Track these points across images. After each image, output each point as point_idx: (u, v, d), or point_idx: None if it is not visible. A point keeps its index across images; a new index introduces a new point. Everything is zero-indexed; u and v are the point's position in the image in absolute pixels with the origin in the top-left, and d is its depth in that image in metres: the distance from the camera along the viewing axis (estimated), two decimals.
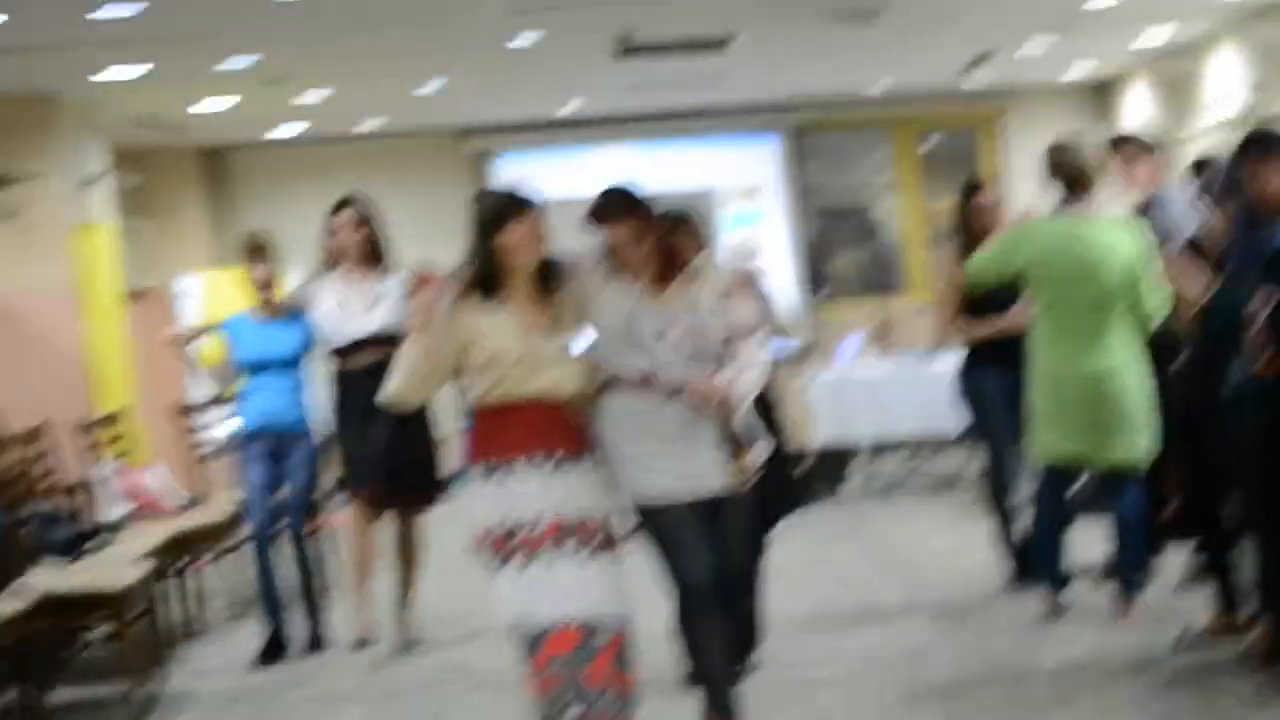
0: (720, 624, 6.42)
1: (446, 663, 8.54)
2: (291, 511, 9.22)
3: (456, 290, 6.24)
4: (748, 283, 6.63)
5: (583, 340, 6.32)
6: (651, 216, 6.37)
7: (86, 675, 8.92)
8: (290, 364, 9.22)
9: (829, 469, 13.75)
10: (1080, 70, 15.66)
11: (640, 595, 6.33)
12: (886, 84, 15.88)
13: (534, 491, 6.08)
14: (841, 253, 17.62)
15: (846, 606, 9.31)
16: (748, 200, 16.92)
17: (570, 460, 6.16)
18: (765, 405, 7.50)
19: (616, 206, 6.34)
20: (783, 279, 16.14)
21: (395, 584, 9.17)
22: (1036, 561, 8.65)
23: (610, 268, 6.38)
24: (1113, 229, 8.22)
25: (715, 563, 6.35)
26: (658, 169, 15.71)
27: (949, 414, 11.88)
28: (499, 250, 6.15)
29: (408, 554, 9.18)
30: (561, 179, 14.88)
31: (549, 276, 6.26)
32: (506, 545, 6.08)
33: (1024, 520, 8.97)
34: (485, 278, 6.18)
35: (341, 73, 12.79)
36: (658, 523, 6.33)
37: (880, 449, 13.73)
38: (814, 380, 13.12)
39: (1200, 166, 7.73)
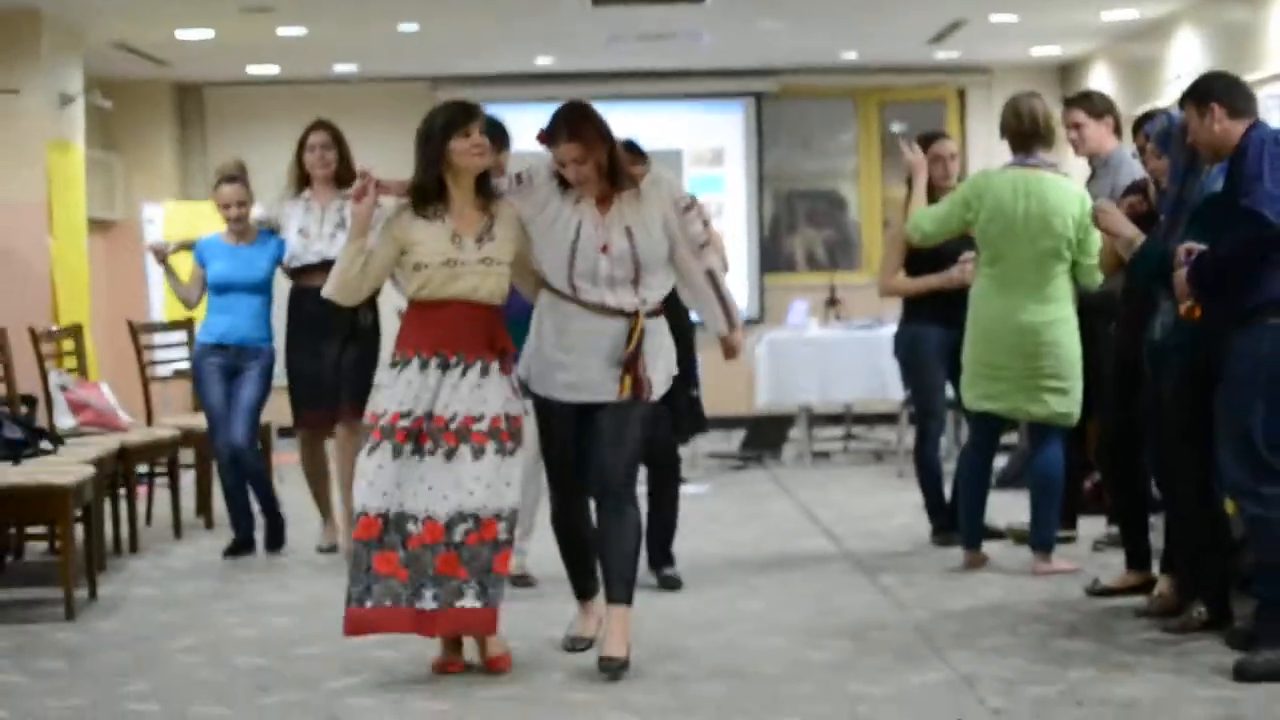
0: (583, 519, 7.03)
1: None
2: (239, 416, 9.50)
3: (398, 196, 6.75)
4: (695, 205, 6.94)
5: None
6: (598, 136, 6.61)
7: (24, 579, 9.09)
8: (257, 287, 9.57)
9: (767, 432, 14.00)
10: (1045, 50, 15.87)
11: None
12: (855, 53, 16.06)
13: (416, 387, 6.63)
14: (801, 226, 17.83)
15: (769, 551, 9.56)
16: (712, 166, 17.09)
17: (470, 363, 6.65)
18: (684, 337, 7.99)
19: (564, 126, 6.60)
20: (738, 246, 16.33)
21: (338, 496, 9.42)
22: (958, 515, 8.86)
23: (560, 183, 6.70)
24: (1060, 186, 8.47)
25: (590, 465, 6.82)
26: (626, 127, 15.80)
27: (890, 382, 12.18)
28: (445, 157, 6.61)
29: (347, 466, 9.36)
30: (530, 133, 14.95)
31: (488, 188, 6.72)
32: (375, 428, 6.66)
33: (950, 476, 9.22)
34: (427, 186, 6.65)
35: (320, 8, 12.94)
36: (545, 419, 6.89)
37: (818, 418, 13.99)
38: (759, 342, 13.31)
39: (1146, 118, 7.93)
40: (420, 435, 6.61)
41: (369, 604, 6.61)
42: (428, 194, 6.65)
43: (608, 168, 6.65)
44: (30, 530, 9.57)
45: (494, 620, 6.65)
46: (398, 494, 6.60)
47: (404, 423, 6.60)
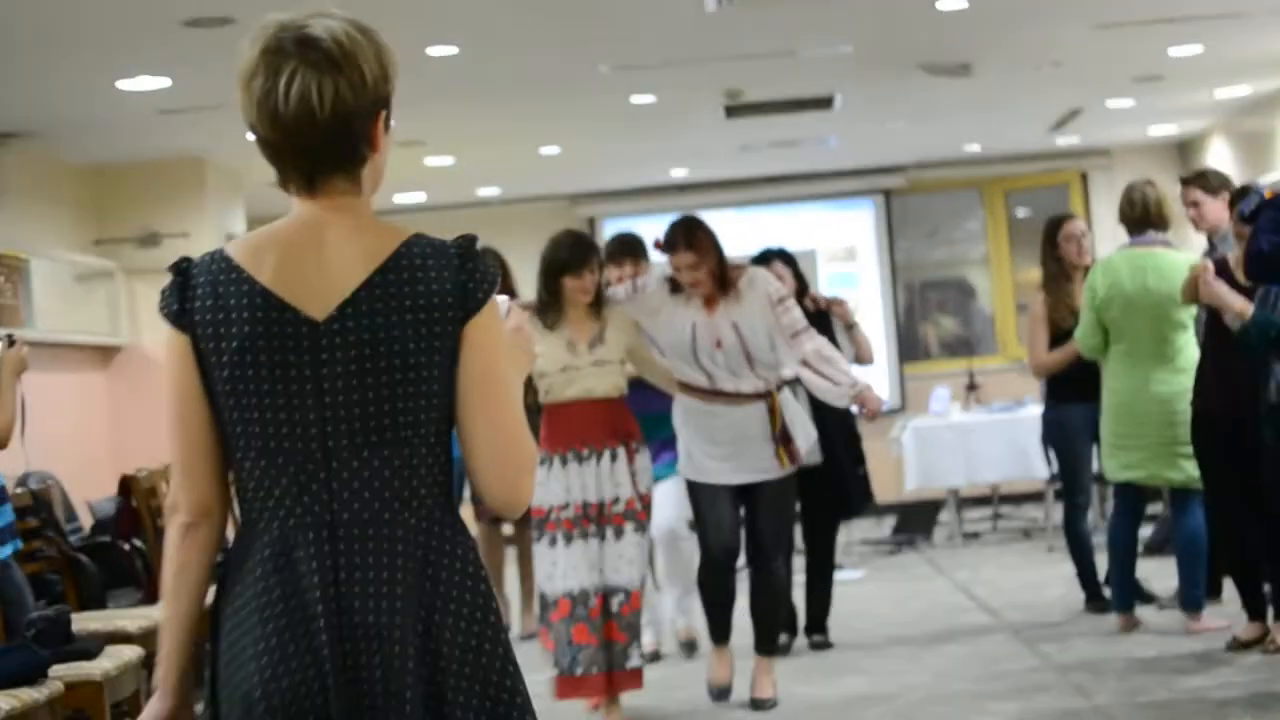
0: (729, 583, 8.00)
1: None
2: None
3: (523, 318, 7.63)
4: (787, 296, 7.95)
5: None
6: (710, 246, 7.72)
7: None
8: None
9: (918, 517, 14.43)
10: (1163, 129, 16.26)
11: None
12: (978, 145, 16.53)
13: (559, 481, 7.58)
14: (933, 314, 18.26)
15: (930, 628, 9.97)
16: (846, 262, 17.57)
17: (599, 453, 7.60)
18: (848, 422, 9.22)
19: (681, 237, 7.73)
20: (876, 338, 16.73)
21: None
22: (1110, 582, 9.29)
23: (673, 288, 7.79)
24: (1172, 259, 8.86)
25: (745, 535, 8.05)
26: (759, 232, 16.35)
27: (1034, 461, 12.61)
28: (559, 290, 7.63)
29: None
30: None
31: (600, 299, 7.72)
32: (540, 523, 7.67)
33: (1100, 545, 9.64)
34: (544, 305, 7.69)
35: (468, 139, 13.57)
36: (699, 498, 7.97)
37: (966, 500, 14.39)
38: (903, 430, 13.73)
39: (1242, 192, 8.37)
40: (584, 521, 7.55)
41: (578, 671, 7.55)
42: (546, 310, 7.64)
43: (718, 273, 7.71)
44: None
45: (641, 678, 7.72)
46: (581, 570, 7.53)
47: (566, 513, 7.58)
